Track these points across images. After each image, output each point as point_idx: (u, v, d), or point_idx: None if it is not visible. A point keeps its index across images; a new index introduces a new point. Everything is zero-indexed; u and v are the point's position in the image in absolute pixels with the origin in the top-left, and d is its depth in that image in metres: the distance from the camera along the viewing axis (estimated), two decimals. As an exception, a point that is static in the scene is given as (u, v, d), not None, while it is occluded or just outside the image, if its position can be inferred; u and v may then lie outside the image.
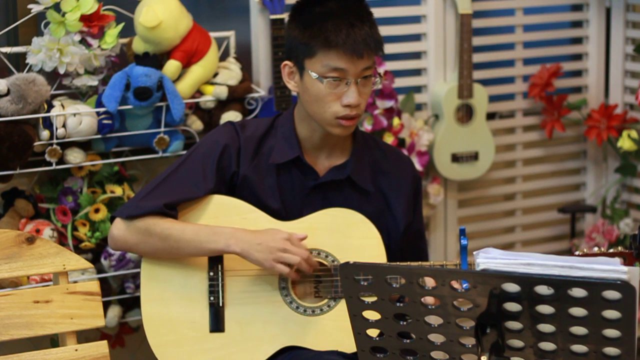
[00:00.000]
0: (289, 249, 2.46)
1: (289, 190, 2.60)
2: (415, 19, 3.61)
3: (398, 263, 2.51)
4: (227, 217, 2.56)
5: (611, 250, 2.42)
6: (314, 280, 2.57)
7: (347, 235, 2.56)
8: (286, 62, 2.55)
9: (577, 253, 2.43)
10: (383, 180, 2.66)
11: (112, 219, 2.59)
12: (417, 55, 3.63)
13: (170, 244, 2.50)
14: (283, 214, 2.59)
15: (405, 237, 2.66)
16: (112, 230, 2.57)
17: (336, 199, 2.61)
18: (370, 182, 2.63)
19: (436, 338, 1.90)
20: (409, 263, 2.51)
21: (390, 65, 3.48)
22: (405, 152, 3.41)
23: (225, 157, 2.59)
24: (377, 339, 1.95)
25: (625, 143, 3.65)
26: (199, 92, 3.13)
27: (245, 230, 2.50)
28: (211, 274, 2.55)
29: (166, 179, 2.58)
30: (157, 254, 2.54)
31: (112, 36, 2.93)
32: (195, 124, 3.12)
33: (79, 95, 3.06)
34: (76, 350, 2.38)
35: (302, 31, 2.48)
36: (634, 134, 3.64)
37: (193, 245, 2.49)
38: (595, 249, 2.44)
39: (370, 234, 2.57)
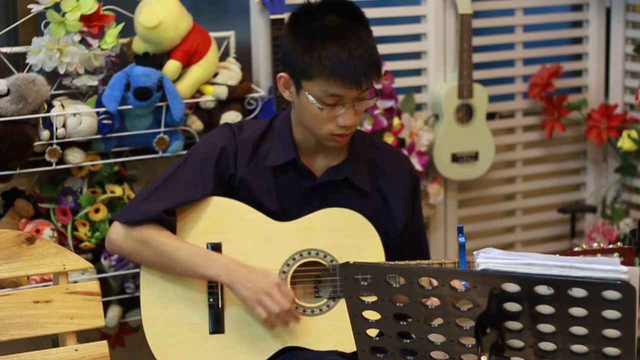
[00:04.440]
0: (274, 295, 2.45)
1: (287, 192, 2.60)
2: (415, 19, 3.60)
3: (397, 262, 2.51)
4: (225, 219, 2.56)
5: (610, 246, 2.42)
6: (314, 281, 2.57)
7: (346, 235, 2.56)
8: (282, 74, 2.52)
9: (576, 249, 2.43)
10: (380, 180, 2.66)
11: (110, 222, 2.59)
12: (417, 55, 3.63)
13: (164, 260, 2.52)
14: (281, 215, 2.58)
15: (404, 235, 2.66)
16: (110, 234, 2.57)
17: (334, 200, 2.60)
18: (368, 182, 2.63)
19: (436, 338, 1.90)
20: (407, 262, 2.51)
21: (390, 65, 3.48)
22: (405, 152, 3.40)
23: (222, 159, 2.58)
24: (377, 339, 1.95)
25: (625, 143, 3.65)
26: (199, 92, 3.12)
27: (239, 264, 2.50)
28: (210, 275, 2.55)
29: (165, 182, 2.58)
30: (150, 265, 2.55)
31: (112, 36, 2.92)
32: (195, 124, 3.12)
33: (79, 95, 3.06)
34: (76, 350, 2.38)
35: (300, 53, 2.44)
36: (634, 134, 3.64)
37: (185, 267, 2.51)
38: (595, 245, 2.44)
39: (369, 233, 2.57)
